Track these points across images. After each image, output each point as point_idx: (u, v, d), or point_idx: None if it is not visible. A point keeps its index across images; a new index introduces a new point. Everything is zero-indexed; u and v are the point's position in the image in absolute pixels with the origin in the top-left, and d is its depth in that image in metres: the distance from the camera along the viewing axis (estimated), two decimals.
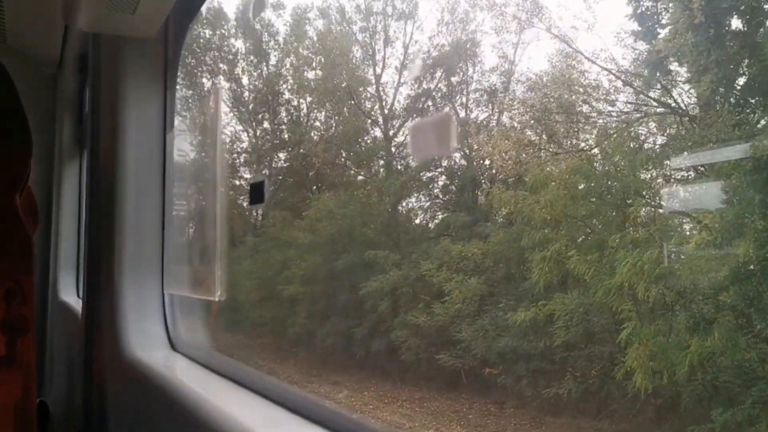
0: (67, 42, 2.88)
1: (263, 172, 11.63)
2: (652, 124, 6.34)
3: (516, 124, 8.13)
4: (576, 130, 7.31)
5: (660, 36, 5.77)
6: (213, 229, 1.73)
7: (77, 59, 2.91)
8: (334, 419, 1.05)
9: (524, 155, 7.63)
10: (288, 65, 12.02)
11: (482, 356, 6.76)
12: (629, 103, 6.68)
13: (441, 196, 9.65)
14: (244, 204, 11.37)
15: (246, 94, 12.11)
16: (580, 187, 6.19)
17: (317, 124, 11.84)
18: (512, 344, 6.49)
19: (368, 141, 10.86)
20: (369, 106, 10.91)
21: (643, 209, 5.60)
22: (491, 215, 8.39)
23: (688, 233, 5.08)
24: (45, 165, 3.40)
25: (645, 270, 4.83)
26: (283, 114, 11.94)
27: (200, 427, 1.13)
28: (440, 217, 9.46)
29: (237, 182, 11.71)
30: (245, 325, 10.35)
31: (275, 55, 11.99)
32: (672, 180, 5.54)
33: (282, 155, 12.05)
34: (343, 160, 11.00)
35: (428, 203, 9.75)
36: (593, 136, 7.01)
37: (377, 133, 10.83)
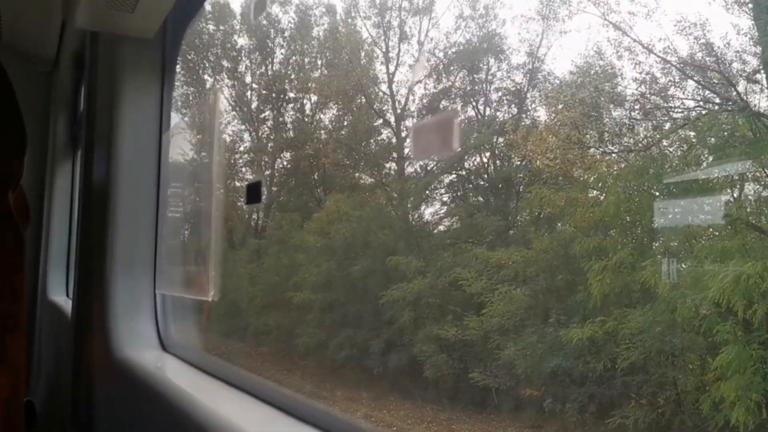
0: (64, 40, 2.88)
1: (266, 173, 11.37)
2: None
3: (558, 121, 7.49)
4: (630, 127, 6.67)
5: None
6: (208, 230, 1.73)
7: (73, 58, 2.91)
8: (325, 419, 1.05)
9: (571, 154, 7.05)
10: (294, 62, 11.81)
11: (524, 376, 6.09)
12: (684, 98, 6.09)
13: (467, 199, 9.15)
14: (244, 206, 11.17)
15: (249, 93, 11.92)
16: (649, 189, 5.51)
17: (325, 123, 11.57)
18: (565, 365, 5.72)
19: (380, 141, 10.60)
20: (378, 106, 10.69)
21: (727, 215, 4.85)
22: (530, 219, 7.98)
23: None
24: (37, 164, 3.39)
25: (750, 284, 4.02)
26: (289, 112, 11.78)
27: (190, 428, 1.12)
28: (466, 221, 8.81)
29: (238, 183, 11.50)
30: (247, 333, 9.93)
31: (281, 53, 11.78)
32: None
33: (286, 156, 11.74)
34: (351, 161, 10.73)
35: (451, 207, 9.23)
36: (652, 134, 6.40)
37: (389, 133, 10.57)
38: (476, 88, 9.22)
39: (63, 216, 3.37)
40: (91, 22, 1.75)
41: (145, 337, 1.83)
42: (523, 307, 6.51)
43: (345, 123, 11.03)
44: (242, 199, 11.31)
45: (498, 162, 8.71)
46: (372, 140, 10.56)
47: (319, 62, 11.71)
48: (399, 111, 10.27)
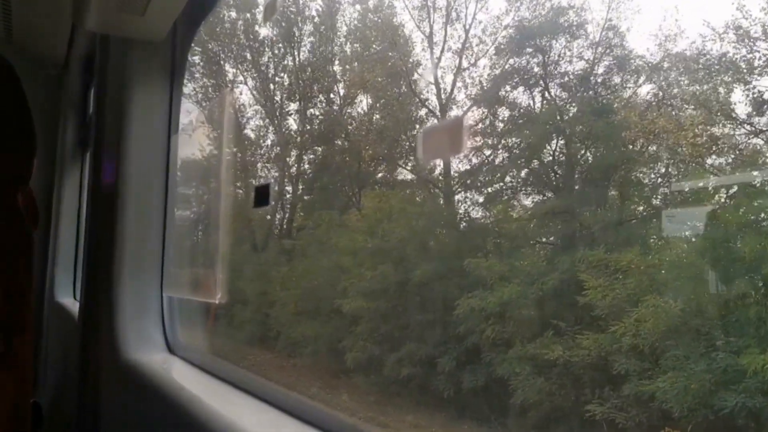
0: (74, 43, 2.93)
1: (291, 170, 10.92)
2: None
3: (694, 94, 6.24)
4: None
5: None
6: (216, 232, 1.73)
7: (83, 61, 2.96)
8: (331, 422, 1.05)
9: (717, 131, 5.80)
10: (326, 47, 11.32)
11: (677, 413, 4.71)
12: None
13: (559, 192, 7.78)
14: (268, 206, 10.65)
15: (273, 84, 11.44)
16: None
17: (361, 113, 10.83)
18: (749, 403, 4.30)
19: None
20: (423, 95, 10.05)
21: None
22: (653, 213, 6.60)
23: None
24: (46, 166, 3.45)
25: None
26: (321, 103, 11.17)
27: (196, 430, 1.12)
28: (560, 218, 7.40)
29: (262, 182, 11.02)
30: (277, 343, 9.18)
31: (310, 40, 11.31)
32: None
33: (317, 150, 11.10)
34: (393, 154, 9.97)
35: (536, 202, 7.90)
36: None
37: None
38: (549, 69, 8.09)
39: (71, 218, 3.41)
40: (100, 24, 1.78)
41: (152, 340, 1.85)
42: (674, 324, 5.17)
43: (383, 113, 10.39)
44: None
45: (592, 148, 7.41)
46: (414, 132, 9.86)
47: (349, 48, 11.15)
48: (444, 100, 9.55)
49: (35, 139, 1.14)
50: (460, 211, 8.71)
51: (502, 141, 8.36)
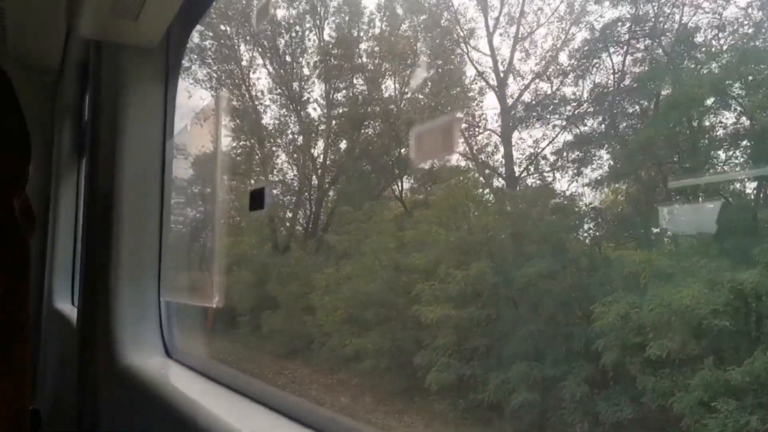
0: (68, 50, 2.95)
1: (317, 161, 10.29)
2: None
3: None
4: None
5: None
6: (211, 234, 1.74)
7: (78, 67, 2.96)
8: (330, 425, 1.05)
9: None
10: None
11: None
12: None
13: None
14: (288, 202, 10.07)
15: (298, 62, 10.74)
16: None
17: (400, 90, 10.03)
18: None
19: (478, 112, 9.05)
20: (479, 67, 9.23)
21: None
22: None
23: None
24: (43, 172, 3.46)
25: None
26: (358, 81, 10.38)
27: None
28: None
29: (280, 176, 10.36)
30: (319, 355, 8.12)
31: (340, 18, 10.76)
32: None
33: (350, 137, 10.32)
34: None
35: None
36: None
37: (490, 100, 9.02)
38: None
39: (68, 224, 3.44)
40: (94, 31, 1.80)
41: (150, 344, 1.88)
42: None
43: (434, 89, 9.53)
44: (288, 196, 10.12)
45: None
46: (469, 109, 8.99)
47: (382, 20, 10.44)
48: (502, 74, 8.64)
49: (30, 144, 1.14)
50: (568, 194, 7.33)
51: (612, 107, 6.88)
